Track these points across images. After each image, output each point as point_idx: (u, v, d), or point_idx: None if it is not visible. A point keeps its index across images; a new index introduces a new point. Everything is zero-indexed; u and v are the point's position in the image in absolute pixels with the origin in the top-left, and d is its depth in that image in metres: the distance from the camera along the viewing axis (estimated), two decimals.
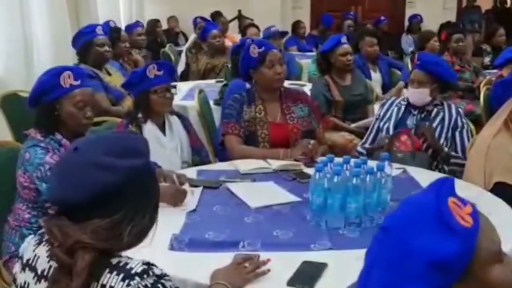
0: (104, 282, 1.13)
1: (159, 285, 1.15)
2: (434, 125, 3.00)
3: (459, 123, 3.00)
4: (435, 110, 3.05)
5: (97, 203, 1.17)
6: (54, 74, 2.30)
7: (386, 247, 0.91)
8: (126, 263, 1.16)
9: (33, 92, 2.33)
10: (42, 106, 2.29)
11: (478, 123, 3.63)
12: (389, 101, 3.23)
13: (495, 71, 5.05)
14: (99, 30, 3.97)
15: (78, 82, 2.31)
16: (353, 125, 3.93)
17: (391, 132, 3.08)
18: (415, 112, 3.08)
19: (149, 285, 1.14)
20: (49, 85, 2.29)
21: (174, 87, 2.90)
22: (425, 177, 2.53)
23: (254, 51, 2.90)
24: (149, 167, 1.28)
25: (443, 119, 3.01)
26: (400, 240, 0.89)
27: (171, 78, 2.95)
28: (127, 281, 1.13)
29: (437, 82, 3.03)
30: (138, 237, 1.23)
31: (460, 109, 3.08)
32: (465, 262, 0.90)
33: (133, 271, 1.14)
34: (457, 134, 2.99)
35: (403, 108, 3.12)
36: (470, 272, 0.90)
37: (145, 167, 1.24)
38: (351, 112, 4.02)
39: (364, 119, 3.95)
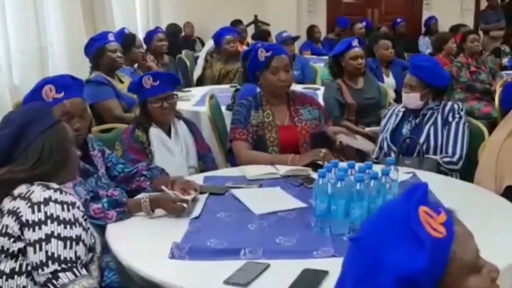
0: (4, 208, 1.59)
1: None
2: (427, 127, 2.96)
3: (450, 119, 2.93)
4: (429, 113, 3.00)
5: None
6: (35, 89, 2.22)
7: (357, 259, 0.85)
8: (29, 191, 1.58)
9: None
10: None
11: (496, 126, 3.54)
12: (390, 110, 3.20)
13: None
14: (111, 37, 3.99)
15: (62, 95, 2.19)
16: (367, 129, 3.88)
17: (389, 141, 3.05)
18: (410, 118, 3.04)
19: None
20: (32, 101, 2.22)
21: (175, 95, 2.86)
22: (435, 181, 2.47)
23: (262, 54, 2.89)
24: (18, 131, 1.65)
25: (435, 120, 2.96)
26: (370, 253, 0.84)
27: (170, 87, 2.83)
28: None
29: (429, 87, 2.97)
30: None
31: (456, 105, 2.98)
32: (436, 276, 0.83)
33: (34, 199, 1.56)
34: (445, 129, 2.92)
35: (400, 115, 3.09)
36: (442, 286, 0.84)
37: (13, 133, 1.65)
38: (364, 116, 3.99)
39: (378, 123, 3.90)
